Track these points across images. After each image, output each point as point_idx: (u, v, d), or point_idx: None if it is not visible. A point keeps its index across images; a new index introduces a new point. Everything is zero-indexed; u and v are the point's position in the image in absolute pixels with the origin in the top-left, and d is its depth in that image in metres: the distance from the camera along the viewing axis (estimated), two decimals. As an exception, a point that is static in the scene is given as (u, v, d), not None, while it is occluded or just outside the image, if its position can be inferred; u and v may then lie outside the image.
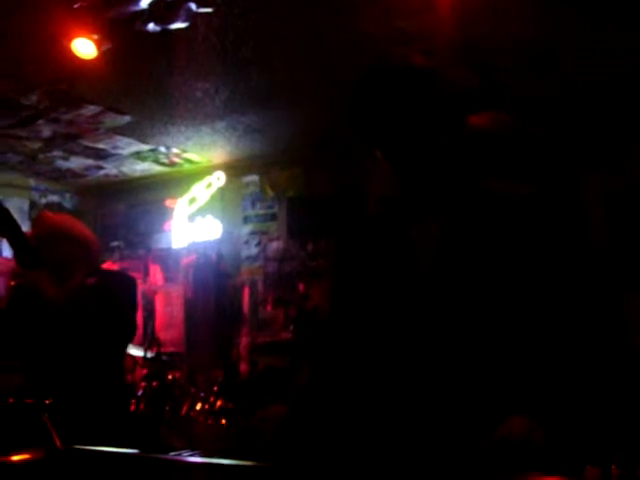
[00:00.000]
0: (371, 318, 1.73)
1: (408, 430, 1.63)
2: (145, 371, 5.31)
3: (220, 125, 5.55)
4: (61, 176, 6.96)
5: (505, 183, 1.72)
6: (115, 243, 7.27)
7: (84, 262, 3.15)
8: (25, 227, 3.01)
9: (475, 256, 1.61)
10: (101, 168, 6.73)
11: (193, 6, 3.62)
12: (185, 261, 6.70)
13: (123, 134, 5.80)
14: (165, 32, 3.85)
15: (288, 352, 5.71)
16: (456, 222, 1.67)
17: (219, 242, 6.47)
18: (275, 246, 6.26)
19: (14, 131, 5.66)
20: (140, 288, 4.98)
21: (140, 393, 5.07)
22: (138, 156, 6.39)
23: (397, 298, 1.69)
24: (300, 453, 1.67)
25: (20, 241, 2.85)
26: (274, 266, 6.23)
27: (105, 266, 5.88)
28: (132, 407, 4.82)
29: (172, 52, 4.19)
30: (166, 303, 6.78)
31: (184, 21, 3.71)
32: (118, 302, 3.13)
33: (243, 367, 6.19)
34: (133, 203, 7.27)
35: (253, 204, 6.44)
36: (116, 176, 6.99)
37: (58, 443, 1.71)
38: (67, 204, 7.36)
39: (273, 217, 6.32)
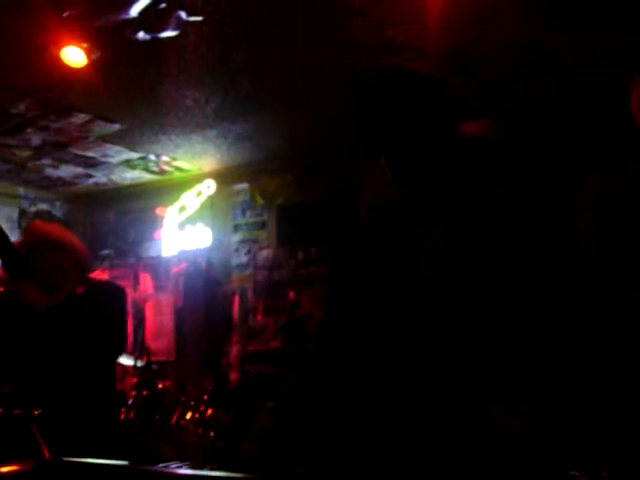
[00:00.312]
0: (368, 325, 1.73)
1: (401, 439, 1.62)
2: (135, 380, 5.28)
3: (210, 133, 5.54)
4: (51, 184, 6.93)
5: (506, 189, 1.73)
6: (105, 251, 7.24)
7: (73, 271, 3.15)
8: (15, 236, 3.00)
9: (478, 261, 1.62)
10: (91, 176, 6.70)
11: (183, 14, 3.61)
12: (175, 269, 6.68)
13: (113, 142, 5.78)
14: (155, 40, 3.84)
15: (278, 360, 5.70)
16: (459, 228, 1.67)
17: (209, 250, 6.46)
18: (265, 254, 6.25)
19: (3, 139, 5.64)
20: (130, 297, 4.97)
21: (130, 402, 5.04)
22: (128, 164, 6.38)
23: (398, 304, 1.69)
24: (288, 463, 1.67)
25: (7, 250, 2.84)
26: (264, 274, 6.22)
27: (95, 275, 5.86)
28: (122, 416, 4.80)
29: (162, 60, 4.18)
30: (156, 312, 6.76)
31: (174, 29, 3.71)
32: (108, 312, 3.12)
33: (233, 376, 6.17)
34: (123, 211, 7.25)
35: (243, 212, 6.43)
36: (106, 184, 6.97)
37: (47, 454, 1.70)
38: (57, 212, 7.33)
39: (263, 225, 6.32)
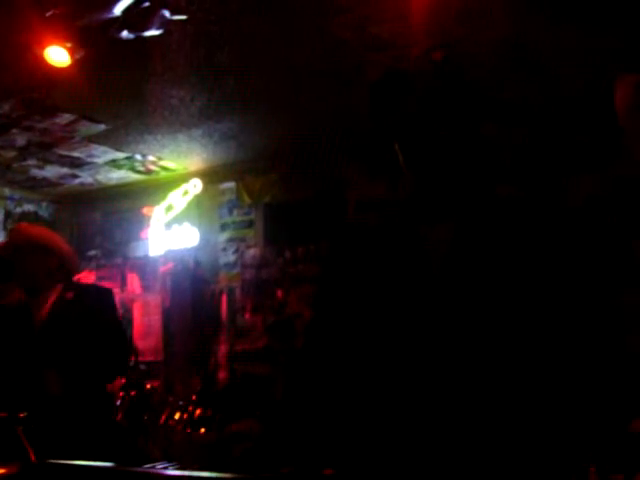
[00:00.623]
0: (364, 324, 1.72)
1: (397, 443, 1.62)
2: (123, 380, 5.28)
3: (196, 132, 5.53)
4: (36, 185, 6.91)
5: (513, 188, 1.73)
6: (92, 252, 7.21)
7: (59, 274, 3.14)
8: (0, 237, 2.98)
9: (487, 261, 1.61)
10: (77, 177, 6.68)
11: (167, 13, 3.61)
12: (162, 269, 6.66)
13: (98, 142, 5.77)
14: (139, 40, 3.83)
15: (267, 359, 5.70)
16: (469, 226, 1.66)
17: (196, 250, 6.45)
18: (252, 253, 6.24)
19: (-13, 140, 5.62)
20: (118, 297, 4.95)
21: (118, 402, 5.04)
22: (114, 164, 6.36)
23: (404, 302, 1.67)
24: (276, 462, 1.66)
25: None
26: (252, 273, 6.22)
27: (83, 275, 5.84)
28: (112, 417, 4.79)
29: (147, 60, 4.17)
30: (144, 312, 6.74)
31: (158, 28, 3.70)
32: (107, 318, 3.14)
33: (222, 375, 6.16)
34: (109, 211, 7.22)
35: (230, 211, 6.42)
36: (92, 184, 6.95)
37: (33, 457, 1.69)
38: (43, 213, 7.30)
39: (250, 224, 6.31)
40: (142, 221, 6.80)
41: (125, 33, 3.70)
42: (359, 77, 4.37)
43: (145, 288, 6.83)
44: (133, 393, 5.10)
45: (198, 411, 4.82)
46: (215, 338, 6.30)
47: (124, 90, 4.64)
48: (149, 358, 6.30)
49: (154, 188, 6.73)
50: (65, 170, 6.48)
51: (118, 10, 3.57)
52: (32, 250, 3.09)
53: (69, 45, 3.88)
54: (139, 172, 6.59)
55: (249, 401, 4.98)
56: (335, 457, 1.66)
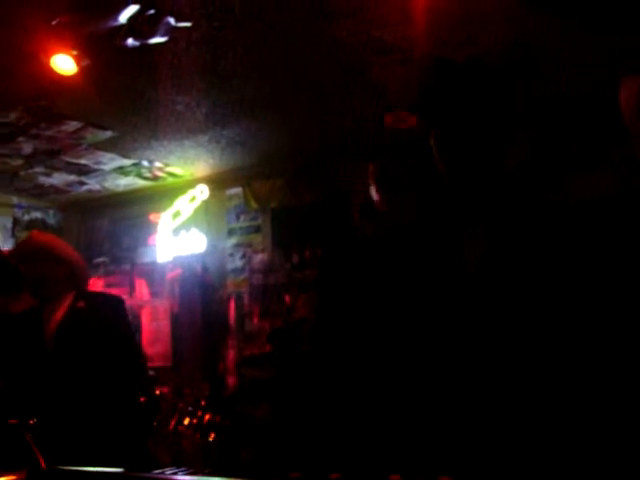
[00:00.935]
0: (377, 328, 1.70)
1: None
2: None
3: (203, 139, 5.54)
4: (44, 192, 6.92)
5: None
6: (100, 259, 7.23)
7: (69, 283, 3.15)
8: (8, 245, 3.00)
9: (522, 267, 1.58)
10: (84, 184, 6.70)
11: (172, 20, 3.62)
12: (170, 275, 6.67)
13: (105, 149, 5.78)
14: (145, 47, 3.85)
15: (275, 364, 5.69)
16: (505, 231, 1.64)
17: (204, 255, 6.45)
18: (260, 258, 6.24)
19: (-5, 148, 5.64)
20: (126, 303, 4.96)
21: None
22: (121, 171, 6.37)
23: (437, 302, 1.65)
24: (284, 467, 1.66)
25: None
26: (259, 278, 6.22)
27: (91, 282, 5.85)
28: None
29: (152, 67, 4.18)
30: (152, 318, 6.75)
31: (163, 35, 3.71)
32: (121, 328, 3.16)
33: (231, 380, 6.16)
34: (117, 218, 7.24)
35: (237, 216, 6.43)
36: (99, 191, 6.96)
37: (42, 463, 1.70)
38: (50, 220, 7.32)
39: (257, 229, 6.31)
40: (149, 227, 6.81)
41: (131, 41, 3.72)
42: (364, 80, 4.39)
43: (153, 294, 6.84)
44: (142, 399, 5.10)
45: (207, 416, 4.82)
46: (223, 343, 6.30)
47: (130, 97, 4.66)
48: (158, 364, 6.30)
49: (161, 194, 6.74)
50: (72, 177, 6.50)
51: (124, 18, 3.58)
52: (44, 258, 3.11)
53: (75, 53, 3.90)
54: (146, 178, 6.61)
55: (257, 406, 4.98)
56: (342, 461, 1.66)
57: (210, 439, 4.71)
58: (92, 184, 6.72)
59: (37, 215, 7.21)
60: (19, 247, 3.26)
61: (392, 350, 1.67)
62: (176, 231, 6.61)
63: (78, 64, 3.96)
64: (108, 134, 5.43)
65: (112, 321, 3.15)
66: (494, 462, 1.50)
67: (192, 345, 6.43)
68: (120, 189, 6.91)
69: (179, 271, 6.60)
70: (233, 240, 6.42)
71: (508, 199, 1.66)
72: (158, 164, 6.21)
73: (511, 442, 1.51)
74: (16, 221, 6.99)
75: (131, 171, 6.39)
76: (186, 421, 4.89)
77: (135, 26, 3.64)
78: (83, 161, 6.05)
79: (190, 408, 5.00)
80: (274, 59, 4.15)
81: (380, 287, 1.74)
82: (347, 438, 1.73)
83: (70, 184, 6.69)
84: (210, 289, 6.42)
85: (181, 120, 5.11)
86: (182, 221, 6.58)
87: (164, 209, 6.66)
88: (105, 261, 7.24)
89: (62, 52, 3.88)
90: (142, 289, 6.92)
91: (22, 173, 6.29)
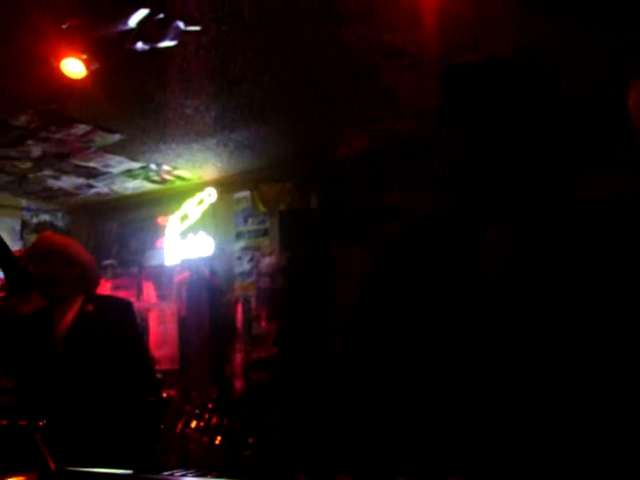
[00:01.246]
0: (418, 325, 1.68)
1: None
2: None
3: (211, 142, 5.55)
4: (52, 195, 6.95)
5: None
6: (108, 261, 7.24)
7: (78, 284, 3.17)
8: (17, 247, 3.01)
9: (547, 261, 1.57)
10: (92, 187, 6.71)
11: (181, 25, 3.63)
12: (178, 278, 6.68)
13: (114, 152, 5.80)
14: (154, 50, 3.86)
15: (281, 367, 5.69)
16: (529, 226, 1.63)
17: (212, 259, 6.46)
18: (268, 261, 6.24)
19: (4, 151, 5.65)
20: (134, 306, 4.97)
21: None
22: (129, 174, 6.39)
23: (463, 302, 1.64)
24: (291, 470, 1.66)
25: (9, 264, 2.84)
26: (267, 281, 6.22)
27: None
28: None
29: (161, 70, 4.20)
30: (160, 321, 6.75)
31: (172, 39, 3.72)
32: (130, 332, 3.17)
33: (238, 383, 6.16)
34: (125, 221, 7.25)
35: (245, 220, 6.43)
36: (107, 194, 6.98)
37: (52, 465, 1.71)
38: (59, 223, 7.34)
39: (265, 232, 6.32)
40: (157, 230, 6.82)
41: (140, 44, 3.73)
42: (373, 85, 4.39)
43: (161, 297, 6.85)
44: (150, 401, 5.11)
45: (214, 419, 4.83)
46: (231, 347, 6.30)
47: (139, 100, 4.68)
48: (165, 367, 6.31)
49: (169, 197, 6.76)
50: (81, 180, 6.52)
51: (133, 22, 3.60)
52: (56, 259, 3.13)
53: (85, 57, 3.92)
54: (154, 182, 6.62)
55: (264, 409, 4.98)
56: (350, 463, 1.66)
57: (217, 442, 4.71)
58: (100, 187, 6.74)
59: (46, 218, 7.23)
60: (32, 248, 3.28)
61: (410, 350, 1.67)
62: (184, 234, 6.62)
63: (88, 68, 3.98)
64: (117, 137, 5.45)
65: (120, 324, 3.17)
66: (508, 464, 1.50)
67: (199, 348, 6.43)
68: (128, 192, 6.93)
69: (187, 274, 6.61)
70: (241, 243, 6.43)
71: (529, 199, 1.64)
72: (166, 167, 6.23)
73: (533, 445, 1.50)
74: (25, 224, 7.01)
75: (139, 174, 6.40)
76: (193, 424, 4.89)
77: (145, 30, 3.66)
78: (92, 164, 6.07)
79: (197, 411, 5.00)
80: (283, 63, 4.16)
81: (399, 289, 1.74)
82: (355, 440, 1.73)
83: (79, 187, 6.71)
84: (218, 292, 6.42)
85: (190, 124, 5.12)
86: (190, 224, 6.59)
87: (172, 212, 6.67)
88: (113, 264, 7.25)
89: (72, 56, 3.90)
90: (150, 292, 6.93)
91: (31, 176, 6.32)
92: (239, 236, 6.45)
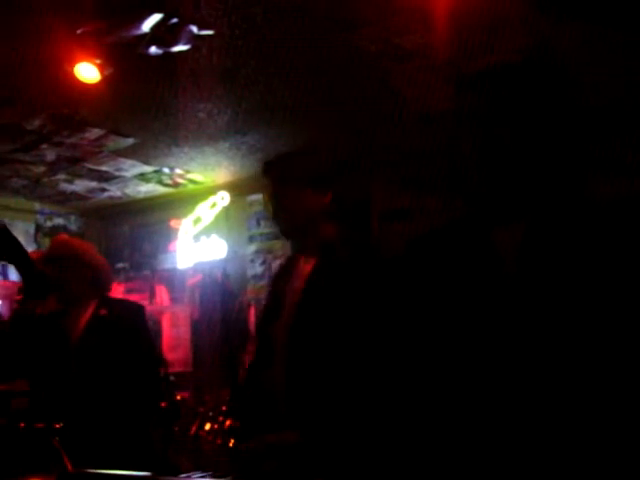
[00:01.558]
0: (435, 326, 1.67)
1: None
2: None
3: (223, 145, 5.57)
4: (66, 199, 6.98)
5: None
6: (121, 265, 7.27)
7: (92, 287, 3.19)
8: (31, 250, 3.03)
9: (562, 263, 1.54)
10: (105, 190, 6.75)
11: (194, 29, 3.65)
12: (191, 281, 6.70)
13: (126, 156, 5.82)
14: (167, 55, 3.88)
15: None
16: (542, 228, 1.61)
17: (225, 262, 6.47)
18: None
19: (18, 155, 5.69)
20: (147, 309, 4.99)
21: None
22: (142, 178, 6.41)
23: (477, 304, 1.62)
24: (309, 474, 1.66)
25: (26, 268, 2.86)
26: (279, 284, 6.22)
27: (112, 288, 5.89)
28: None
29: (174, 74, 4.21)
30: (172, 324, 6.78)
31: (185, 44, 3.74)
32: (142, 335, 3.19)
33: (251, 386, 6.16)
34: (138, 224, 7.28)
35: (258, 223, 6.45)
36: (120, 198, 7.01)
37: (69, 467, 1.72)
38: (72, 227, 7.38)
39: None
40: (170, 234, 6.85)
41: (153, 49, 3.75)
42: (385, 88, 4.40)
43: (174, 300, 6.87)
44: (163, 404, 5.12)
45: (228, 422, 4.83)
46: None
47: (152, 104, 4.69)
48: (178, 369, 6.33)
49: (182, 201, 6.78)
50: (94, 184, 6.55)
51: (147, 27, 3.61)
52: (70, 262, 3.15)
53: (99, 62, 3.94)
54: (167, 185, 6.65)
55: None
56: (364, 467, 1.66)
57: (231, 445, 4.71)
58: (113, 191, 6.77)
59: (59, 221, 7.27)
60: (47, 251, 3.31)
61: (425, 352, 1.67)
62: (197, 237, 6.63)
63: (101, 72, 4.00)
64: (130, 141, 5.48)
65: (132, 328, 3.19)
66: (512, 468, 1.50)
67: (212, 351, 6.45)
68: (141, 196, 6.95)
69: (199, 277, 6.63)
70: (254, 246, 6.44)
71: (543, 201, 1.63)
72: (179, 171, 6.25)
73: (546, 449, 1.49)
74: (38, 227, 7.06)
75: (152, 178, 6.42)
76: (207, 426, 4.89)
77: (158, 34, 3.67)
78: (104, 168, 6.10)
79: (211, 413, 5.00)
80: (295, 67, 4.17)
81: (412, 291, 1.73)
82: (370, 444, 1.73)
83: (92, 191, 6.74)
84: (230, 295, 6.43)
85: (202, 127, 5.14)
86: (203, 227, 6.61)
87: (185, 215, 6.69)
88: (126, 267, 7.28)
89: (86, 61, 3.93)
90: (162, 295, 6.96)
91: (45, 180, 6.35)
92: (252, 239, 6.46)
